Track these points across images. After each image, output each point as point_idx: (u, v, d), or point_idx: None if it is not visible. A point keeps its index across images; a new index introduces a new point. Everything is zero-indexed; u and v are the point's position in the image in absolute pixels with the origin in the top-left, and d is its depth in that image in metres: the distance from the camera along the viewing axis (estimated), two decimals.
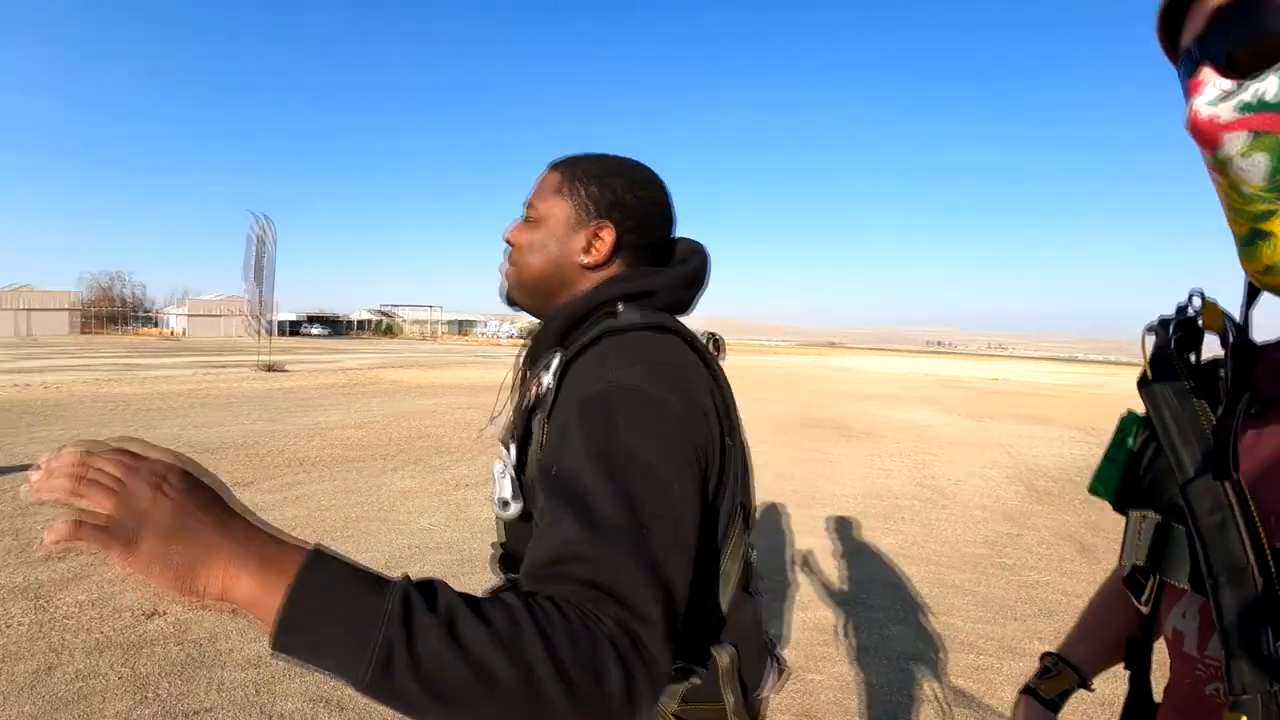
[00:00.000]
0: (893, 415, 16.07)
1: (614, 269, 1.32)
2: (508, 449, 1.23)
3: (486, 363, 34.60)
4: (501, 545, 1.38)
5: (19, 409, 13.64)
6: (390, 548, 6.00)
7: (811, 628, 4.69)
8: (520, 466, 1.21)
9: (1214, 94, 0.73)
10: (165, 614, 4.58)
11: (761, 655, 1.35)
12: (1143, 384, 0.97)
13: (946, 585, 5.40)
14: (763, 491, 8.25)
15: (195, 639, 4.26)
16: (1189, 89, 0.76)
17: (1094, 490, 1.09)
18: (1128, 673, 1.07)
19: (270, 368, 25.19)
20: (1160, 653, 0.98)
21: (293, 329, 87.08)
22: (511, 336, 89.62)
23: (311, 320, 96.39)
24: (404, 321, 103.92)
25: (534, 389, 1.21)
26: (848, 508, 7.61)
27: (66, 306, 69.61)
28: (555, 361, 1.16)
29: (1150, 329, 0.98)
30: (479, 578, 5.37)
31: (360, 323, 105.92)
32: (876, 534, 6.70)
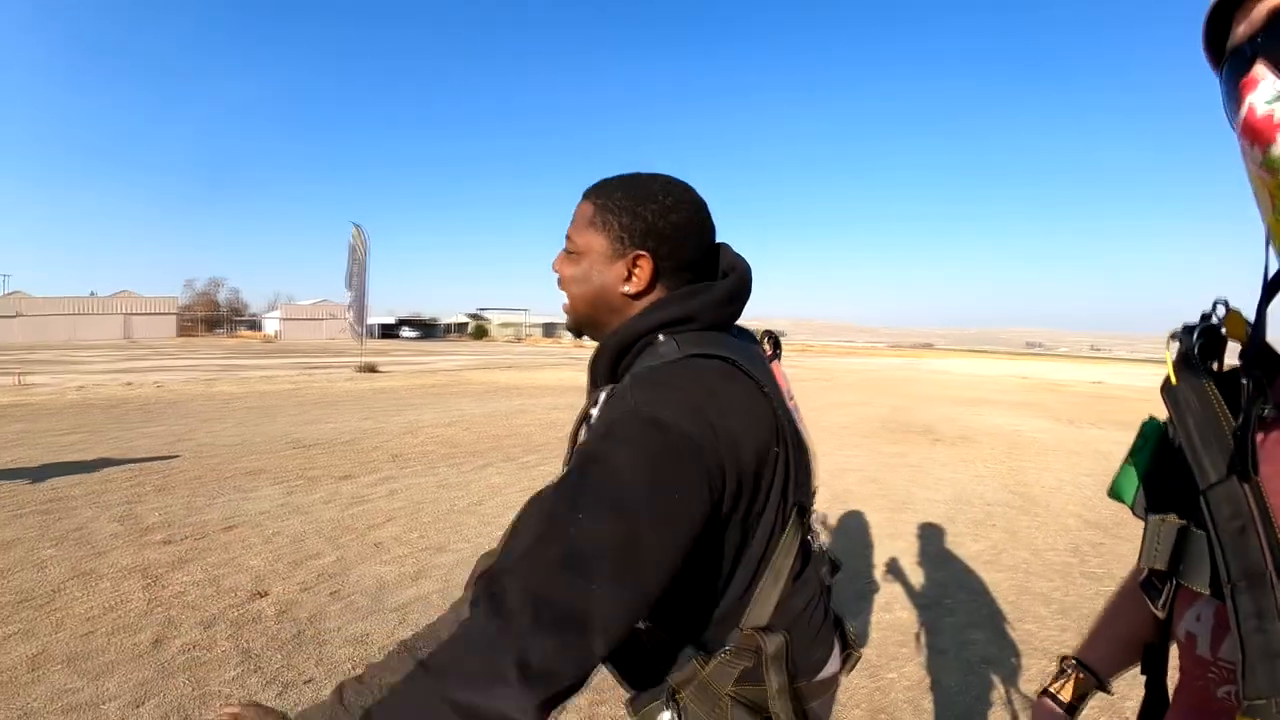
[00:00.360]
0: (987, 420, 15.80)
1: (657, 293, 1.38)
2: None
3: (575, 364, 34.86)
4: None
5: (128, 406, 14.56)
6: (482, 539, 6.34)
7: (891, 628, 4.77)
8: None
9: (1271, 92, 0.72)
10: (268, 594, 5.02)
11: (822, 641, 1.44)
12: (1166, 389, 0.97)
13: (1030, 593, 5.40)
14: (851, 495, 8.38)
15: (298, 618, 4.66)
16: (1240, 87, 0.76)
17: (1114, 494, 1.13)
18: (1143, 677, 1.12)
19: (368, 368, 25.90)
20: (1174, 655, 1.04)
21: (386, 332, 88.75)
22: None
23: (405, 323, 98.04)
24: (493, 324, 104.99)
25: (581, 414, 1.41)
26: (937, 513, 7.62)
27: (166, 311, 71.93)
28: (601, 397, 1.30)
29: (1174, 335, 0.99)
30: None
31: (451, 326, 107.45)
32: (964, 540, 6.70)
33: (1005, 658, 4.35)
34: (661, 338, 1.31)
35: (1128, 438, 1.08)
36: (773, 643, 1.25)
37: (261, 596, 4.97)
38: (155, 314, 70.66)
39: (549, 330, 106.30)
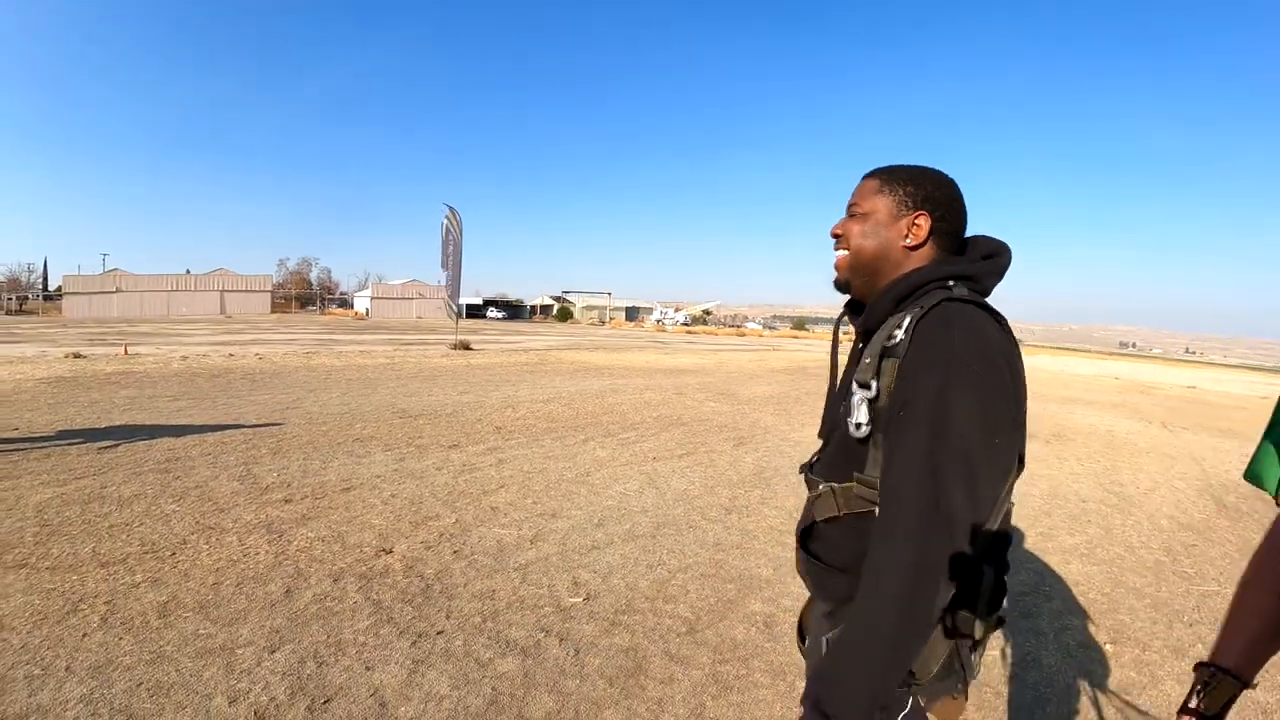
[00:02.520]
0: (1080, 419, 15.39)
1: (929, 250, 1.61)
2: (867, 385, 1.50)
3: (661, 348, 34.94)
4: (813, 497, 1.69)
5: (233, 375, 14.92)
6: (595, 508, 6.30)
7: None
8: (874, 399, 1.49)
9: None
10: (393, 551, 5.02)
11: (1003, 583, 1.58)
12: None
13: (1124, 586, 5.33)
14: None
15: (424, 574, 4.66)
16: None
17: (1251, 477, 1.08)
18: None
19: (462, 346, 26.18)
20: None
21: (472, 312, 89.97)
22: (677, 324, 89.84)
23: (491, 304, 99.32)
24: (577, 307, 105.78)
25: (885, 339, 1.51)
26: (1034, 506, 7.45)
27: (261, 289, 73.89)
28: (907, 320, 1.46)
29: None
30: (678, 538, 5.63)
31: (536, 308, 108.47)
32: (1060, 533, 6.57)
33: (1101, 643, 4.34)
34: (952, 283, 1.53)
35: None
36: (989, 574, 1.44)
37: (387, 553, 4.97)
38: (250, 291, 72.82)
39: (631, 314, 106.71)
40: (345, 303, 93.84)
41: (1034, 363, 43.86)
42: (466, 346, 26.29)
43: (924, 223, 1.59)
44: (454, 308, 30.39)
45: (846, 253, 1.69)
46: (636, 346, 35.51)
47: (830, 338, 1.90)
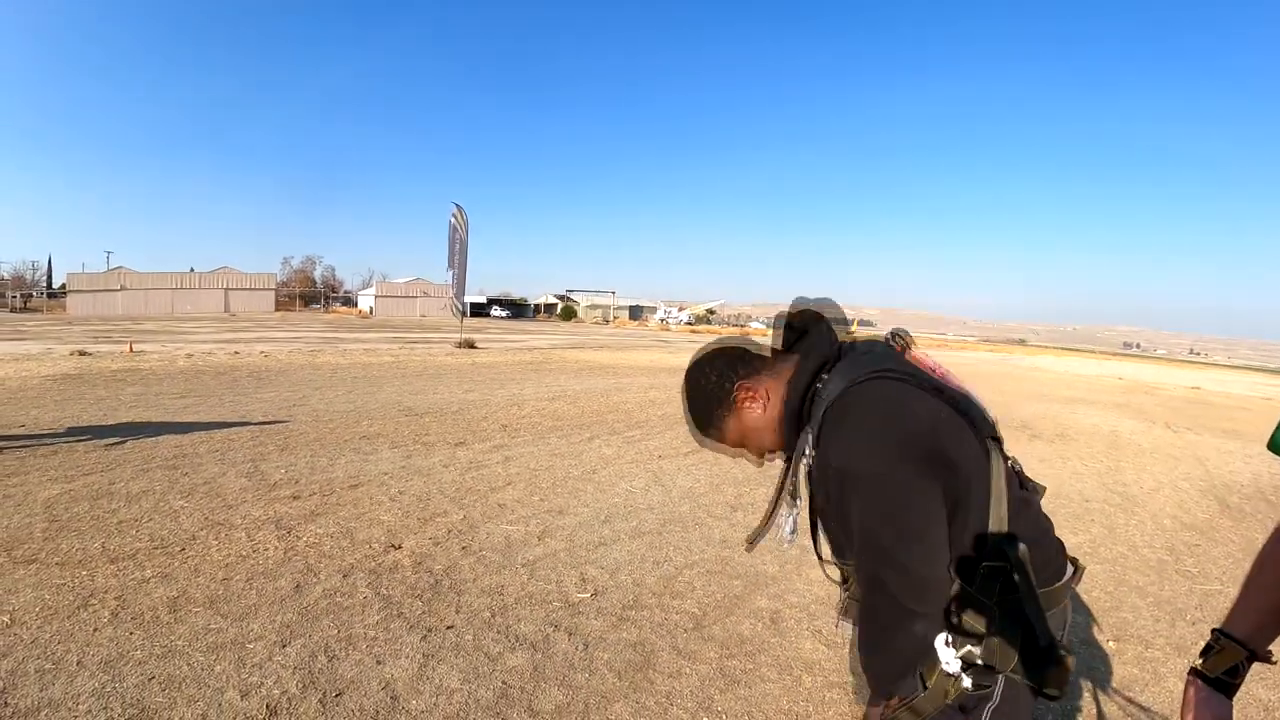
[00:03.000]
0: (1084, 419, 15.36)
1: (782, 376, 1.68)
2: (794, 499, 1.66)
3: (664, 347, 34.98)
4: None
5: (239, 373, 14.95)
6: (602, 505, 6.34)
7: None
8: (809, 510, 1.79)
9: None
10: (402, 547, 5.04)
11: (1059, 551, 1.71)
12: None
13: (1127, 585, 5.36)
14: None
15: (433, 569, 4.68)
16: None
17: (1274, 447, 1.08)
18: None
19: (467, 344, 26.20)
20: None
21: (477, 311, 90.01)
22: (681, 323, 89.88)
23: (495, 303, 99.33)
24: (581, 306, 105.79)
25: (804, 462, 1.58)
26: None
27: (265, 287, 73.99)
28: (810, 439, 1.53)
29: None
30: (684, 535, 5.66)
31: (541, 306, 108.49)
32: (1063, 532, 6.44)
33: (1103, 641, 4.36)
34: (819, 384, 1.57)
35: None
36: (1018, 550, 1.47)
37: (396, 549, 4.99)
38: (254, 289, 72.89)
39: (635, 313, 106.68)
40: (349, 301, 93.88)
41: (1037, 363, 43.84)
42: (471, 345, 26.30)
43: (743, 392, 1.69)
44: (459, 306, 30.43)
45: (762, 458, 1.82)
46: (641, 346, 35.53)
47: None
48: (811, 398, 1.58)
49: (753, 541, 1.93)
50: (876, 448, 1.40)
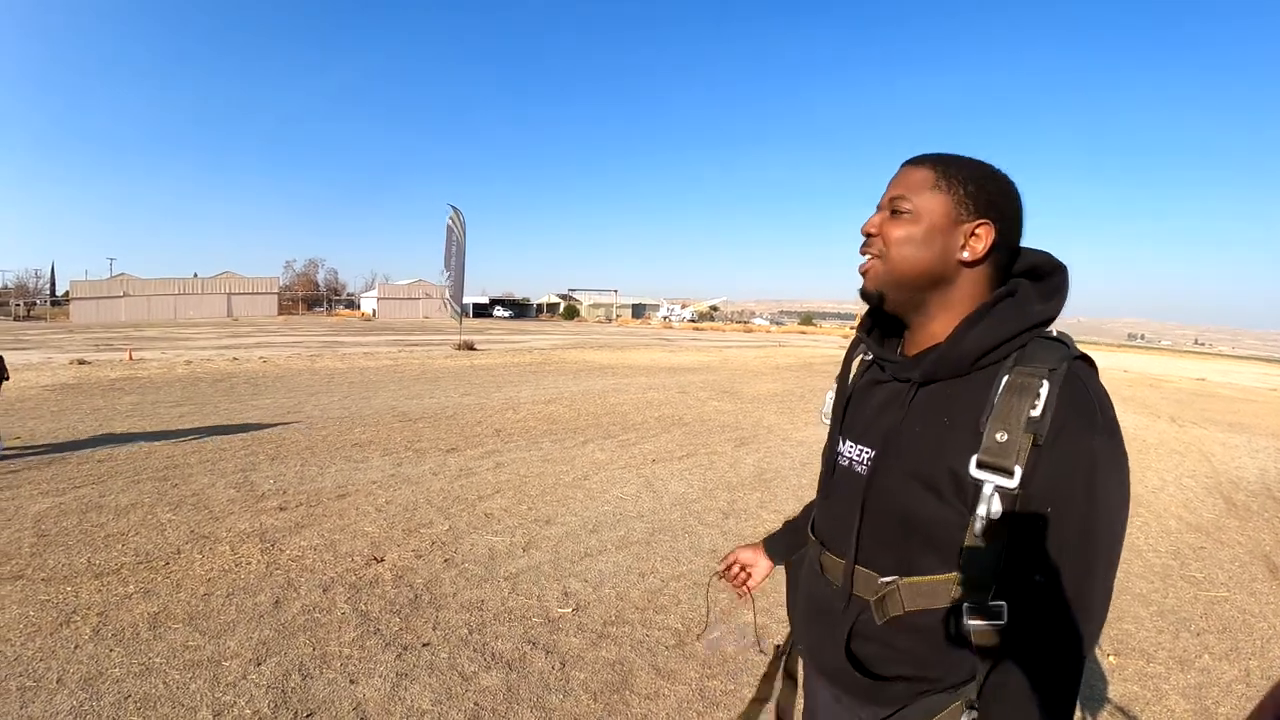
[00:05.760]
0: None
1: (986, 269, 1.36)
2: (1007, 471, 1.19)
3: (666, 345, 35.00)
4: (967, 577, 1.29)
5: (236, 380, 15.04)
6: (590, 514, 6.31)
7: None
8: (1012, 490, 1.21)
9: None
10: (384, 560, 5.04)
11: None
12: None
13: (1130, 593, 5.27)
14: None
15: (414, 583, 4.68)
16: None
17: None
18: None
19: (466, 346, 26.22)
20: None
21: (479, 311, 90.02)
22: (684, 320, 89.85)
23: (497, 303, 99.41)
24: (583, 305, 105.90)
25: (1023, 409, 1.19)
26: None
27: (267, 291, 74.06)
28: (1045, 389, 1.19)
29: None
30: (673, 544, 5.63)
31: (543, 306, 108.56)
32: None
33: (1102, 656, 4.26)
34: (1055, 332, 1.32)
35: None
36: None
37: (378, 562, 4.99)
38: (257, 293, 72.89)
39: (638, 311, 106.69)
40: (352, 303, 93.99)
41: None
42: (470, 347, 26.33)
43: (986, 234, 1.33)
44: (456, 308, 30.43)
45: (880, 260, 1.40)
46: (642, 344, 35.55)
47: (841, 363, 1.63)
48: (1032, 337, 1.29)
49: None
50: (1118, 422, 1.26)
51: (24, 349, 22.33)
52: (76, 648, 3.65)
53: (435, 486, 6.94)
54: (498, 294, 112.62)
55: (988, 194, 1.34)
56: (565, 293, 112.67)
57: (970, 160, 1.38)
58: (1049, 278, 1.37)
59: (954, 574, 1.27)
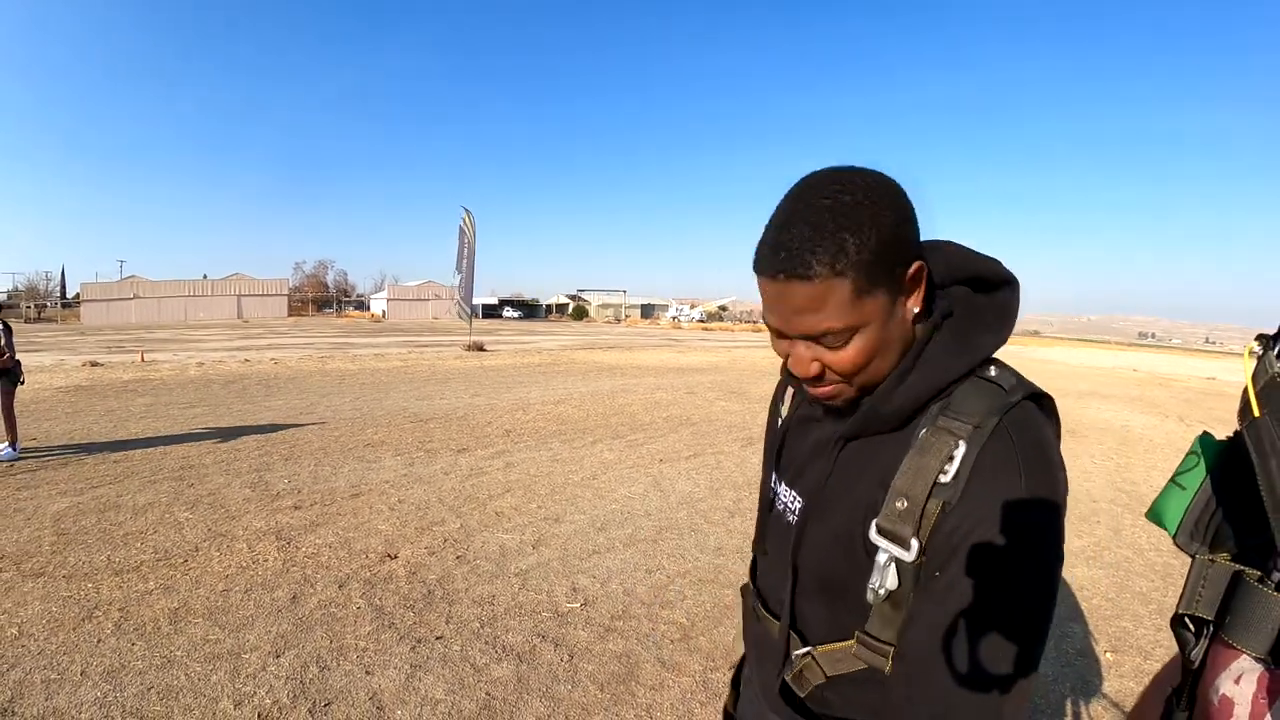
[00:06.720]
0: (1095, 414, 15.24)
1: (919, 296, 1.10)
2: (903, 542, 1.05)
3: (674, 346, 34.99)
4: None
5: (248, 381, 15.20)
6: (599, 512, 6.40)
7: None
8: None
9: None
10: (398, 557, 5.14)
11: None
12: (1244, 417, 0.82)
13: (1130, 591, 5.28)
14: None
15: (427, 579, 4.78)
16: None
17: (1154, 517, 1.00)
18: None
19: (476, 347, 26.32)
20: None
21: (489, 312, 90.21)
22: (693, 320, 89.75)
23: (507, 304, 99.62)
24: (592, 305, 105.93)
25: (931, 472, 1.04)
26: None
27: (277, 292, 74.30)
28: (961, 450, 1.03)
29: (1254, 349, 0.83)
30: (679, 542, 5.70)
31: (552, 306, 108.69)
32: (1068, 535, 6.41)
33: (1100, 653, 4.28)
34: (993, 371, 1.11)
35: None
36: None
37: (391, 559, 5.09)
38: (267, 295, 73.25)
39: (647, 311, 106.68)
40: (362, 305, 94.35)
41: (1051, 355, 43.52)
42: (480, 348, 26.42)
43: (920, 274, 1.07)
44: (466, 310, 30.56)
45: (845, 385, 1.12)
46: (651, 345, 35.54)
47: (774, 393, 1.53)
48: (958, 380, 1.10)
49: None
50: (1062, 499, 1.03)
51: (37, 351, 22.50)
52: (99, 642, 3.76)
53: (447, 486, 7.04)
54: (507, 295, 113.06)
55: (891, 234, 1.01)
56: (574, 293, 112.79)
57: (844, 204, 1.00)
58: (995, 294, 1.16)
59: (858, 639, 1.15)
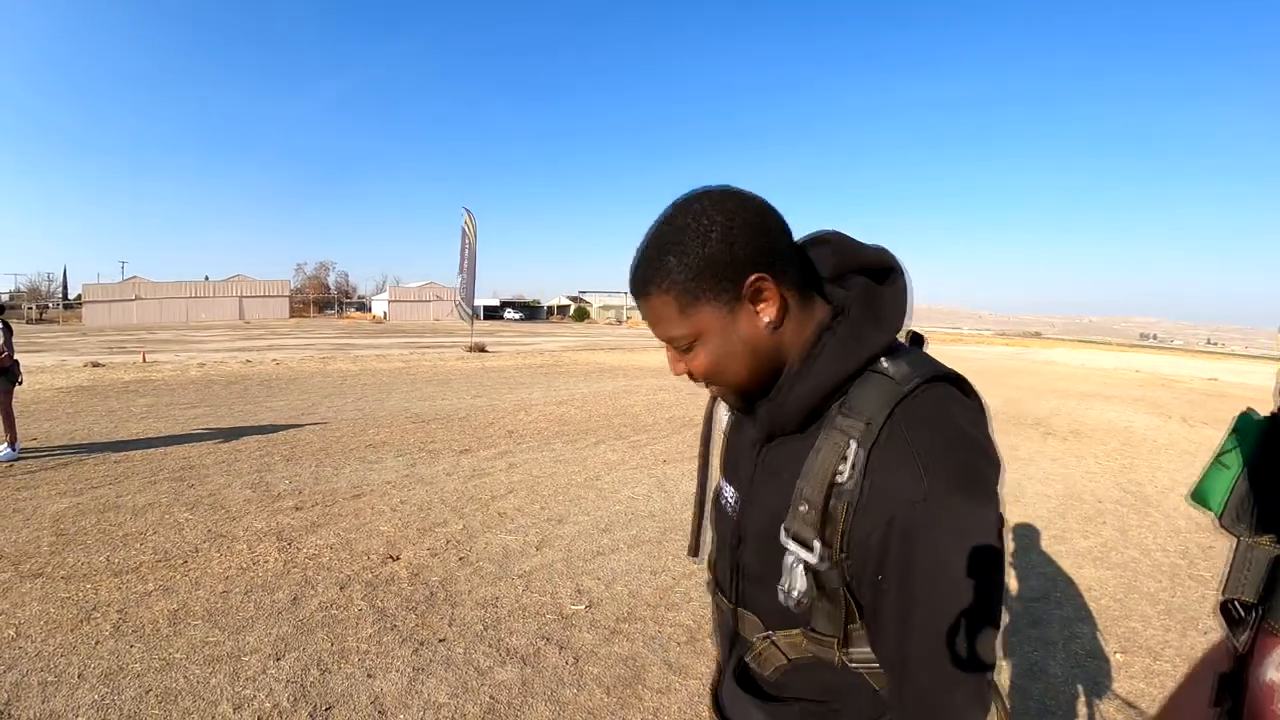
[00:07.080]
0: (1099, 415, 15.21)
1: (794, 309, 1.13)
2: (806, 544, 1.06)
3: None
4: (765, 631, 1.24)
5: (250, 382, 15.17)
6: (602, 513, 6.36)
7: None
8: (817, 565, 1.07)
9: None
10: (400, 558, 5.10)
11: None
12: None
13: (1138, 591, 5.27)
14: None
15: (429, 581, 4.73)
16: None
17: (1199, 498, 0.99)
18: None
19: (477, 348, 26.32)
20: None
21: (490, 314, 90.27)
22: None
23: (508, 305, 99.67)
24: (594, 307, 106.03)
25: (828, 472, 1.05)
26: (1048, 507, 7.40)
27: (279, 294, 74.41)
28: (852, 447, 1.03)
29: None
30: (684, 544, 5.61)
31: (554, 308, 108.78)
32: (1074, 535, 6.51)
33: (1110, 654, 4.26)
34: (885, 363, 1.09)
35: None
36: None
37: (393, 560, 5.05)
38: (268, 296, 73.28)
39: None
40: (363, 306, 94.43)
41: (1053, 357, 43.51)
42: (482, 349, 26.43)
43: (766, 288, 1.08)
44: (467, 311, 30.56)
45: (722, 387, 1.24)
46: (653, 346, 35.49)
47: (708, 404, 1.52)
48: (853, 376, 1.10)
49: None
50: (991, 491, 1.03)
51: (38, 352, 22.48)
52: (97, 644, 3.72)
53: (449, 487, 7.00)
54: (509, 296, 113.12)
55: (718, 252, 1.06)
56: (576, 295, 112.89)
57: (674, 228, 1.10)
58: (885, 284, 1.18)
59: (803, 634, 1.16)
